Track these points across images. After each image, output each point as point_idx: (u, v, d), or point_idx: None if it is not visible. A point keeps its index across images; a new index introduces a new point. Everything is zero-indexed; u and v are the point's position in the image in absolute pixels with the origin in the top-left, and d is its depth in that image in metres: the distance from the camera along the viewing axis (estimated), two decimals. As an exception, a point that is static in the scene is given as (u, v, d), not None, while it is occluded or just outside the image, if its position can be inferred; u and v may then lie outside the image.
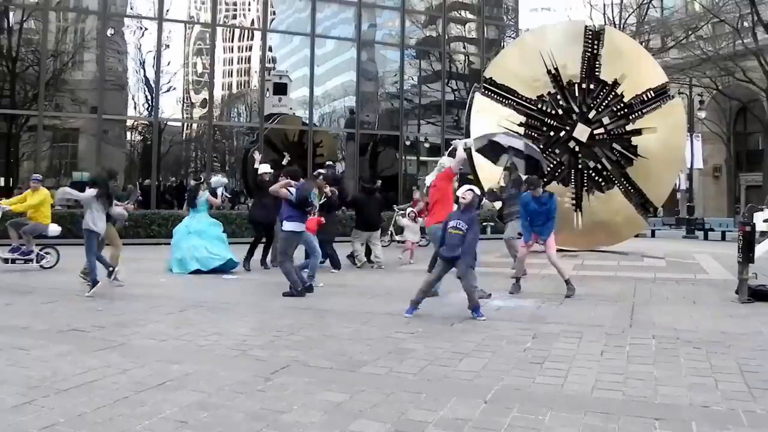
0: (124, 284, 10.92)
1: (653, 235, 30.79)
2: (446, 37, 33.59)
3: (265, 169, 14.18)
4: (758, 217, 10.37)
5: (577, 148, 16.47)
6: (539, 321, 8.10)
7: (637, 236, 20.04)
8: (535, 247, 11.03)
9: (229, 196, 14.00)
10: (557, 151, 16.60)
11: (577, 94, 16.63)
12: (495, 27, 35.89)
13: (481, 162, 15.21)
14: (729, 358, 6.23)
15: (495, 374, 5.61)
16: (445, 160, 11.10)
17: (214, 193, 14.03)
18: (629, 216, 16.60)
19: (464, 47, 35.88)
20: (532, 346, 6.68)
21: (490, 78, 16.94)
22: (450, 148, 11.00)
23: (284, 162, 14.38)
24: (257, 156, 14.49)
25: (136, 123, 30.18)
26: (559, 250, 12.57)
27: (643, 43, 31.93)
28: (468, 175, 16.04)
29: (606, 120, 16.51)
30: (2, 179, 27.49)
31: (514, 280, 10.67)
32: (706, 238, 29.59)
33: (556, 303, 9.58)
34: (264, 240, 14.18)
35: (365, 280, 12.72)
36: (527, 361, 6.11)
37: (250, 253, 14.08)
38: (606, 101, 16.54)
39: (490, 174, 15.12)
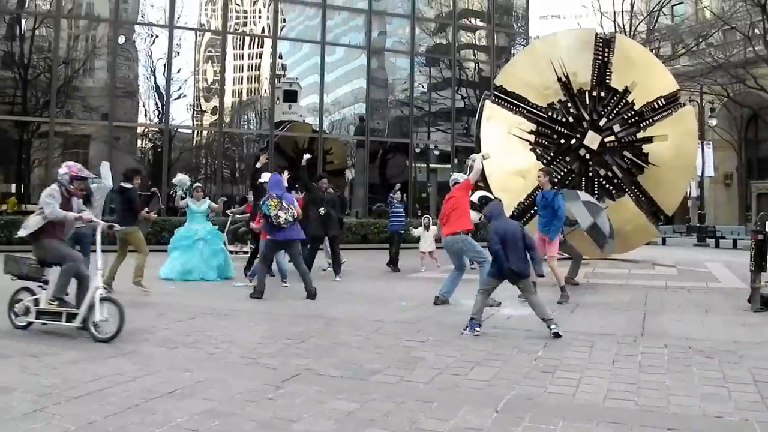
0: (150, 292, 10.95)
1: (664, 242, 30.70)
2: (456, 45, 33.61)
3: (266, 178, 14.00)
4: (771, 226, 10.29)
5: (587, 156, 16.43)
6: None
7: (647, 244, 19.95)
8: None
9: (183, 195, 13.93)
10: (568, 159, 16.56)
11: (587, 102, 16.59)
12: (505, 34, 35.90)
13: (492, 172, 15.22)
14: (742, 367, 6.18)
15: (506, 383, 5.59)
16: (458, 176, 11.09)
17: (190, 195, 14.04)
18: (640, 224, 16.51)
19: (474, 55, 35.90)
20: (543, 355, 6.65)
21: (501, 85, 16.92)
22: (468, 164, 10.93)
23: (304, 162, 14.18)
24: (261, 161, 14.47)
25: (146, 130, 30.30)
26: (566, 259, 12.61)
27: (654, 51, 31.92)
28: (479, 182, 16.03)
29: (617, 128, 16.48)
30: (14, 185, 27.68)
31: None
32: (717, 246, 29.45)
33: (567, 311, 9.54)
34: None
35: (374, 287, 12.70)
36: (538, 369, 6.08)
37: (250, 262, 13.94)
38: (617, 109, 16.50)
39: (501, 184, 15.17)
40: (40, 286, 7.67)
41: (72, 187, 7.80)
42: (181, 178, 14.21)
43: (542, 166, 13.64)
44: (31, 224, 7.56)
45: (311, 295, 10.68)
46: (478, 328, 7.75)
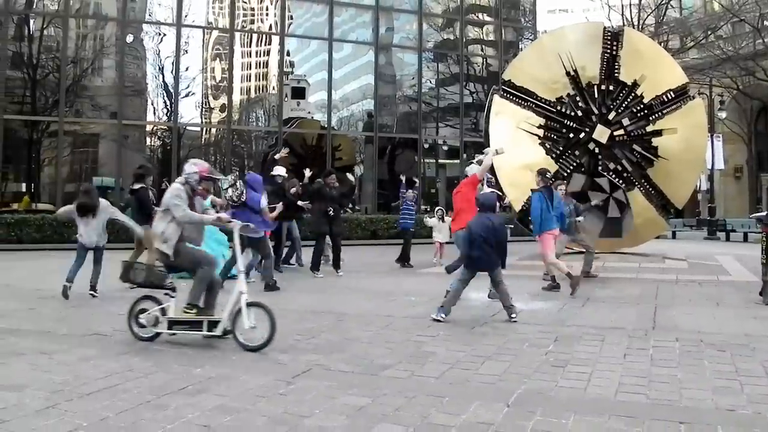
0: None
1: (674, 236, 30.59)
2: (464, 40, 33.55)
3: (279, 171, 13.94)
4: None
5: (597, 150, 16.38)
6: (561, 323, 8.04)
7: (658, 238, 19.90)
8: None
9: None
10: (577, 153, 16.52)
11: (596, 96, 16.55)
12: (513, 29, 35.77)
13: (501, 166, 15.20)
14: (754, 360, 6.15)
15: (517, 377, 5.57)
16: (471, 169, 11.11)
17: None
18: (650, 218, 16.48)
19: (482, 50, 35.79)
20: (554, 349, 6.63)
21: (509, 80, 16.91)
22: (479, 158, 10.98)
23: (306, 178, 14.30)
24: (281, 153, 14.33)
25: (155, 128, 30.33)
26: (577, 253, 12.61)
27: (662, 44, 31.75)
28: (490, 179, 16.01)
29: (626, 121, 16.42)
30: (23, 185, 27.79)
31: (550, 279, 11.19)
32: (728, 239, 29.32)
33: (577, 305, 9.51)
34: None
35: (383, 283, 12.69)
36: (549, 364, 6.06)
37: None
38: (626, 102, 16.45)
39: (510, 178, 15.14)
40: (167, 294, 6.99)
41: (200, 187, 7.29)
42: None
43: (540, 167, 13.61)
44: (170, 234, 6.95)
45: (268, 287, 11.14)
46: (443, 315, 8.10)
